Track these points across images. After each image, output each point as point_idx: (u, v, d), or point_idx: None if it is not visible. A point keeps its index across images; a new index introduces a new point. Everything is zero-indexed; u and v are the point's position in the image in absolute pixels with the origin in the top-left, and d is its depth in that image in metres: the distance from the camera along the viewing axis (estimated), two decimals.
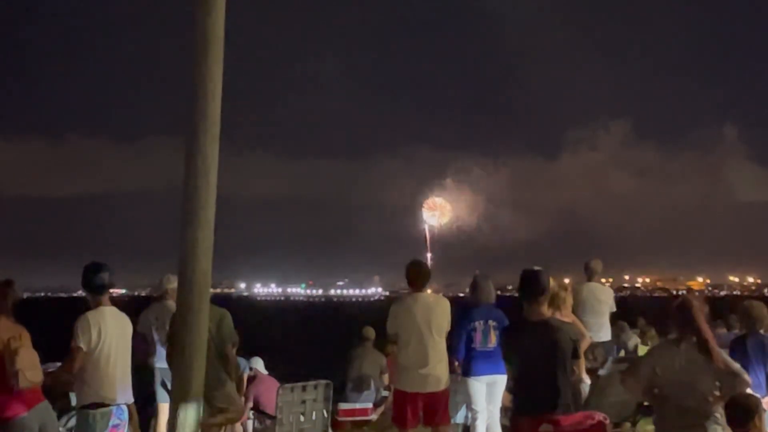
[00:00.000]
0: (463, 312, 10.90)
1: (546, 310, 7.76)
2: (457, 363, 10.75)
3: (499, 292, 11.58)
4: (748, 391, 9.91)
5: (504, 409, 10.63)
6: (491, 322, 10.61)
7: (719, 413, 7.32)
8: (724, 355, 7.35)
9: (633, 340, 18.66)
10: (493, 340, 10.43)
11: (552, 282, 8.47)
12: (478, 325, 10.67)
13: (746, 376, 7.32)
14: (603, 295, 14.26)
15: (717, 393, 7.25)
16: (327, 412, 12.53)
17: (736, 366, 7.29)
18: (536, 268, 7.86)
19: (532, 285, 7.73)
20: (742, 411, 7.32)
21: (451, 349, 10.54)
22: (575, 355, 7.60)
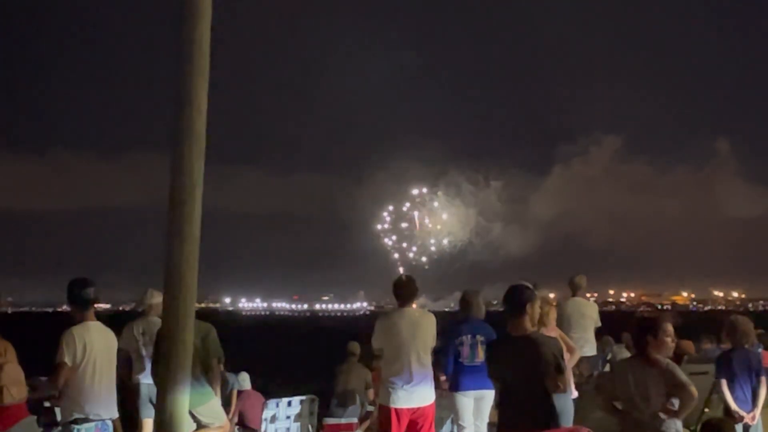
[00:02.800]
0: (451, 327, 10.92)
1: (529, 325, 7.76)
2: (444, 378, 10.75)
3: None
4: (734, 407, 9.97)
5: (491, 425, 10.63)
6: (479, 337, 10.62)
7: (676, 428, 7.37)
8: (673, 369, 7.40)
9: (621, 354, 18.66)
10: (481, 355, 10.41)
11: (540, 296, 8.50)
12: (466, 339, 10.67)
13: (692, 389, 7.37)
14: (588, 310, 14.30)
15: (674, 408, 7.30)
16: (312, 427, 12.55)
17: (683, 378, 7.34)
18: (524, 283, 7.88)
19: (514, 300, 7.75)
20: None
21: (439, 364, 10.55)
22: (559, 370, 7.59)
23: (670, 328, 7.55)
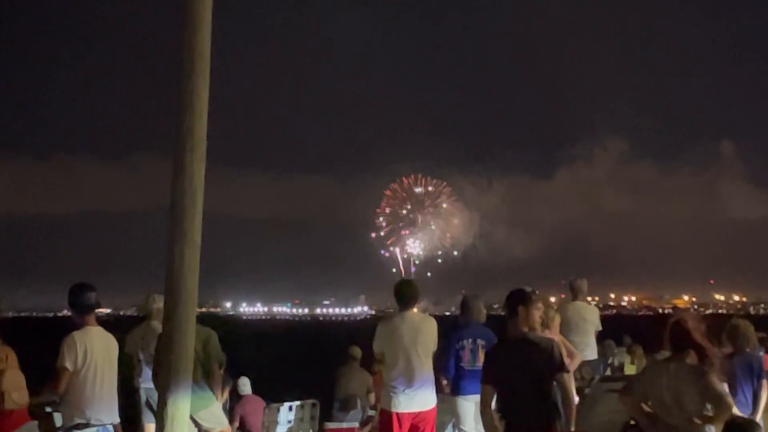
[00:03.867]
0: (452, 331, 10.90)
1: (524, 327, 7.76)
2: (445, 382, 10.73)
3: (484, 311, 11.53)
4: (735, 410, 9.94)
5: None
6: (480, 341, 10.60)
7: None
8: (710, 378, 7.35)
9: (620, 357, 18.68)
10: (482, 359, 10.39)
11: (543, 300, 8.50)
12: (467, 343, 10.65)
13: (729, 399, 7.33)
14: (588, 314, 14.27)
15: (709, 414, 7.25)
16: (313, 431, 12.53)
17: (720, 389, 7.30)
18: (524, 288, 7.88)
19: (508, 302, 7.78)
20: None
21: (440, 368, 10.53)
22: (554, 368, 7.56)
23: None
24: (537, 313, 8.11)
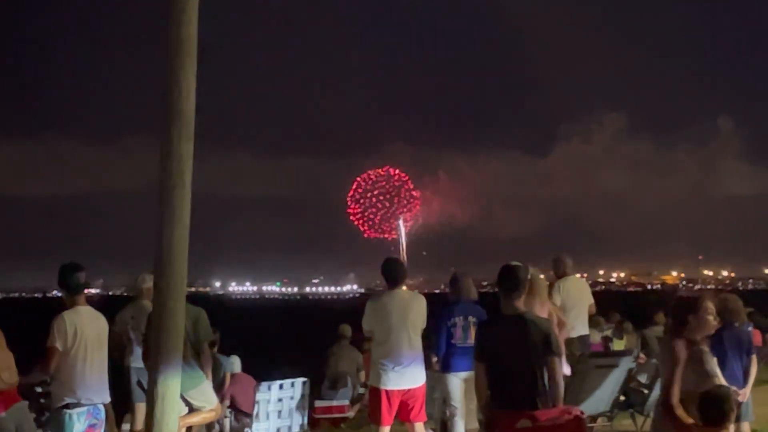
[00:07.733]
0: (443, 308, 10.91)
1: (521, 305, 7.75)
2: (435, 359, 10.75)
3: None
4: (725, 383, 9.98)
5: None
6: (471, 318, 10.61)
7: None
8: (702, 355, 7.38)
9: (608, 333, 18.74)
10: (473, 336, 10.42)
11: (532, 270, 8.49)
12: (458, 321, 10.67)
13: (714, 381, 7.35)
14: (585, 290, 14.29)
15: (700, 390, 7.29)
16: (304, 409, 12.55)
17: (707, 368, 7.32)
18: (514, 263, 7.86)
19: (507, 280, 7.74)
20: (711, 405, 7.30)
21: (431, 346, 10.55)
22: (549, 350, 7.56)
23: (711, 306, 7.51)
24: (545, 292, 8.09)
